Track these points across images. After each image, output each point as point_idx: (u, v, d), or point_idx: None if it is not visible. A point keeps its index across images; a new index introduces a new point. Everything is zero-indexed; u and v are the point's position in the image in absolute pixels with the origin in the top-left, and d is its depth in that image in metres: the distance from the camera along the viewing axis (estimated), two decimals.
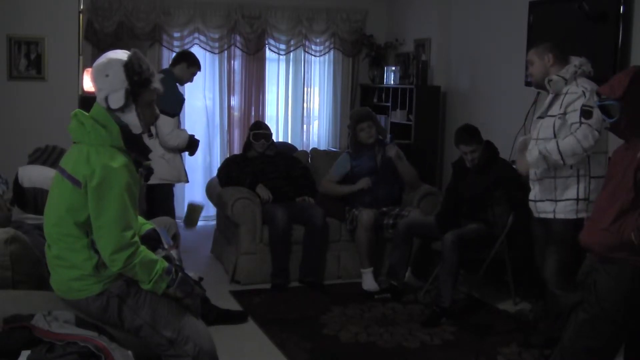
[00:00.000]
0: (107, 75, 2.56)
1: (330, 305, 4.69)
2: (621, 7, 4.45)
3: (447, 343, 4.12)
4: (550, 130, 3.75)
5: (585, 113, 3.59)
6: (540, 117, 3.87)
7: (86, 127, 2.56)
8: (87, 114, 2.62)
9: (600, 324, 2.84)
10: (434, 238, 4.76)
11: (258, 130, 5.52)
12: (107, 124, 2.58)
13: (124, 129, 2.62)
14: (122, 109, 2.58)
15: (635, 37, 4.44)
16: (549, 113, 3.80)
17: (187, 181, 5.56)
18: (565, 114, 3.70)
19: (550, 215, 3.79)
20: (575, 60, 3.77)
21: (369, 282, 5.03)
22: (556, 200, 3.76)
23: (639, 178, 2.74)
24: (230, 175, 5.41)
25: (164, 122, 4.89)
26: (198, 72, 5.50)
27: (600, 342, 2.86)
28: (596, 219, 2.93)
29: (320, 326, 4.33)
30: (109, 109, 2.59)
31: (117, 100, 2.56)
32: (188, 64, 5.32)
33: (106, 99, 2.57)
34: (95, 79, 2.60)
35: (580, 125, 3.60)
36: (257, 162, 5.44)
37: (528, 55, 3.94)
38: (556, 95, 3.79)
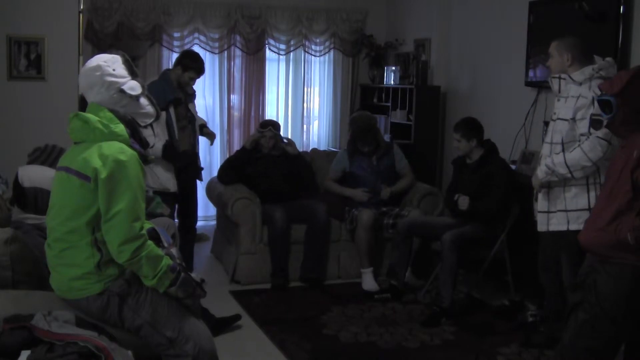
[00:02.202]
0: (114, 70, 2.62)
1: (330, 305, 4.69)
2: (621, 7, 4.44)
3: (447, 343, 4.12)
4: (559, 136, 3.69)
5: (595, 123, 3.50)
6: (553, 120, 3.78)
7: (90, 125, 2.57)
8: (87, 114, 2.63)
9: (600, 324, 2.84)
10: (434, 238, 4.77)
11: (266, 129, 5.48)
12: (111, 120, 2.60)
13: (128, 124, 2.65)
14: (138, 96, 2.67)
15: (635, 37, 4.43)
16: (560, 116, 3.70)
17: (176, 191, 4.92)
18: (574, 119, 3.62)
19: (564, 228, 3.69)
20: (598, 62, 3.65)
21: (369, 282, 5.03)
22: (567, 211, 3.66)
23: (635, 178, 2.73)
24: (231, 176, 5.42)
25: None
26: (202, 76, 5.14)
27: (600, 342, 2.86)
28: (594, 219, 2.93)
29: (320, 326, 4.33)
30: (111, 110, 2.61)
31: (134, 86, 2.66)
32: (183, 68, 4.97)
33: (121, 90, 2.62)
34: (99, 78, 2.60)
35: (588, 137, 3.52)
36: (260, 161, 5.44)
37: (550, 47, 3.82)
38: (569, 97, 3.68)
